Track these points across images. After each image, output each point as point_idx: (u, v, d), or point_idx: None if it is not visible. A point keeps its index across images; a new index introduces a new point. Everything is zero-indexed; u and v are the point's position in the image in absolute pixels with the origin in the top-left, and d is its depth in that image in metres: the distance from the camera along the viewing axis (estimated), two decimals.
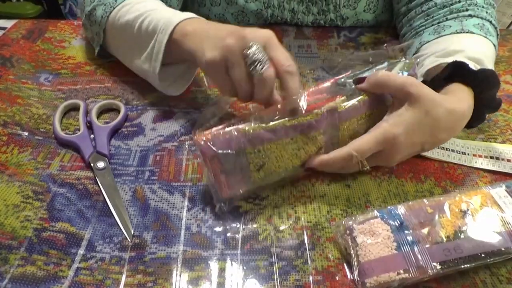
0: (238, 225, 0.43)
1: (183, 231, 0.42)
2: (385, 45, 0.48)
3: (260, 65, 0.41)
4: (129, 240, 0.41)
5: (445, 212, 0.40)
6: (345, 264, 0.39)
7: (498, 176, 0.49)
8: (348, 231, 0.40)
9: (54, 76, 0.61)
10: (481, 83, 0.45)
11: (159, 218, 0.43)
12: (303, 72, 0.64)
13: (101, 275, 0.38)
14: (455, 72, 0.46)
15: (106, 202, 0.44)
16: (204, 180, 0.47)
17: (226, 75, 0.43)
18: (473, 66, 0.48)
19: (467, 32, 0.55)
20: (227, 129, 0.41)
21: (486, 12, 0.59)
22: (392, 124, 0.42)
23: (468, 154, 0.51)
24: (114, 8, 0.55)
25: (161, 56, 0.49)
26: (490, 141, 0.53)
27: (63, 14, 1.73)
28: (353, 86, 0.45)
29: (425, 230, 0.39)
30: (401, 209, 0.40)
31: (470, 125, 0.47)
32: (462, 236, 0.38)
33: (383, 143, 0.42)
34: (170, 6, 0.58)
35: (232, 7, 0.70)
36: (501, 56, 0.70)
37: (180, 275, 0.38)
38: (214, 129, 0.41)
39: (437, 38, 0.56)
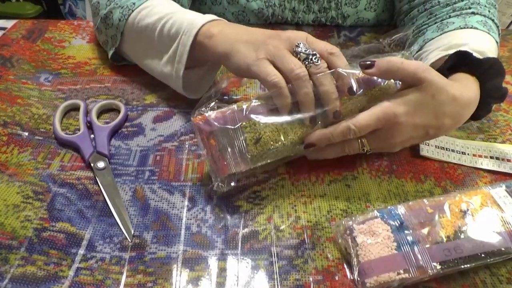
0: (238, 225, 0.43)
1: (183, 231, 0.42)
2: (380, 39, 0.47)
3: (314, 57, 0.42)
4: (129, 240, 0.41)
5: (445, 212, 0.40)
6: (345, 264, 0.39)
7: (498, 176, 0.49)
8: (348, 231, 0.40)
9: (54, 76, 0.61)
10: (486, 72, 0.45)
11: (159, 218, 0.43)
12: None
13: (101, 275, 0.38)
14: (459, 62, 0.46)
15: (106, 202, 0.44)
16: (206, 167, 0.47)
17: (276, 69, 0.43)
18: (477, 56, 0.48)
19: (470, 28, 0.55)
20: (224, 108, 0.42)
21: (489, 11, 0.59)
22: (394, 102, 0.42)
23: (468, 154, 0.51)
24: (133, 11, 0.54)
25: (185, 58, 0.49)
26: (490, 141, 0.53)
27: (62, 14, 1.73)
28: (358, 72, 0.43)
29: (425, 230, 0.39)
30: (401, 209, 0.40)
31: (476, 116, 0.47)
32: (462, 236, 0.38)
33: (382, 121, 0.42)
34: (181, 5, 0.58)
35: (233, 6, 0.70)
36: (501, 56, 0.70)
37: (180, 275, 0.38)
38: (211, 110, 0.42)
39: (441, 34, 0.56)
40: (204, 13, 0.52)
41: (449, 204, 0.41)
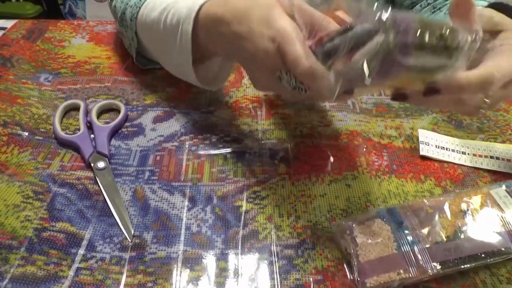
0: (238, 224, 0.43)
1: (183, 231, 0.42)
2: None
3: None
4: (129, 240, 0.41)
5: (445, 212, 0.40)
6: (345, 264, 0.39)
7: (498, 176, 0.49)
8: (348, 231, 0.40)
9: (54, 76, 0.61)
10: None
11: (159, 218, 0.43)
12: None
13: (101, 275, 0.38)
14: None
15: (106, 202, 0.44)
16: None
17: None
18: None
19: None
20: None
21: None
22: None
23: (468, 154, 0.51)
24: (139, 8, 0.52)
25: (189, 46, 0.45)
26: (490, 141, 0.53)
27: (62, 14, 1.73)
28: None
29: (425, 230, 0.39)
30: (401, 209, 0.40)
31: None
32: (462, 236, 0.38)
33: None
34: None
35: None
36: None
37: (180, 275, 0.38)
38: None
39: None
40: None
41: (449, 204, 0.41)
